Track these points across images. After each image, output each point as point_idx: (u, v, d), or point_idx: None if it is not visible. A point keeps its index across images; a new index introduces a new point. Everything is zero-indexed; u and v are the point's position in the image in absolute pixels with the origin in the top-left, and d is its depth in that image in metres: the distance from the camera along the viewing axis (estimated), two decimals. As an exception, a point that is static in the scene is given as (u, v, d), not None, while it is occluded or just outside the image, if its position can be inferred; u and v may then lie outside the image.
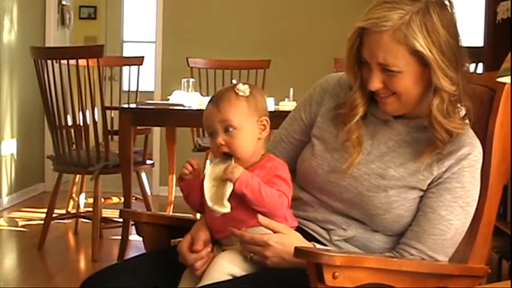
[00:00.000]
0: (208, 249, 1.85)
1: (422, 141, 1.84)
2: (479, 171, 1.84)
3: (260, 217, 1.77)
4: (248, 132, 1.86)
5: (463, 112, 1.84)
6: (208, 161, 1.85)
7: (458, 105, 1.82)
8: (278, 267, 1.77)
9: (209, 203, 1.78)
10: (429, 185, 1.83)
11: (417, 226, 1.83)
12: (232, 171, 1.78)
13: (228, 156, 1.85)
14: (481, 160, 1.84)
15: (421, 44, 1.72)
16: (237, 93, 1.86)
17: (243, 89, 1.86)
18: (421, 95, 1.81)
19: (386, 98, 1.82)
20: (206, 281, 1.76)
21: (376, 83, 1.80)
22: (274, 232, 1.78)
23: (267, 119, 1.89)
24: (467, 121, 1.84)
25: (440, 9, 1.76)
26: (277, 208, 1.82)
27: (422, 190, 1.84)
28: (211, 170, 1.84)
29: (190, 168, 1.93)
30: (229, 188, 1.77)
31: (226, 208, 1.76)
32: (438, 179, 1.82)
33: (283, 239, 1.76)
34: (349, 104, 1.89)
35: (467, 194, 1.82)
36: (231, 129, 1.84)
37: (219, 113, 1.85)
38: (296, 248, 1.63)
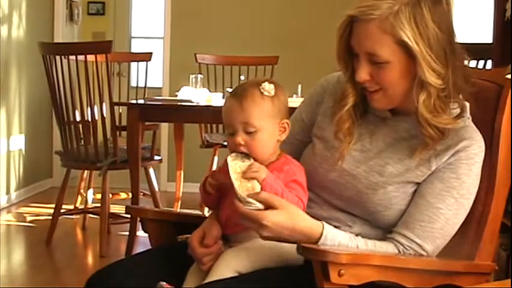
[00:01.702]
0: (218, 245, 1.85)
1: (420, 137, 1.82)
2: (478, 165, 1.82)
3: (263, 193, 1.72)
4: (268, 134, 1.84)
5: (457, 110, 1.83)
6: (229, 158, 1.77)
7: (455, 104, 1.81)
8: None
9: (247, 199, 1.72)
10: (426, 178, 1.83)
11: (407, 213, 1.83)
12: (258, 171, 1.75)
13: (245, 153, 1.82)
14: (481, 154, 1.82)
15: (408, 35, 1.71)
16: (261, 93, 1.83)
17: (269, 88, 1.83)
18: (409, 89, 1.79)
19: (374, 93, 1.82)
20: (213, 277, 1.76)
21: (363, 74, 1.79)
22: (272, 207, 1.72)
23: (288, 122, 1.88)
24: (466, 117, 1.83)
25: (432, 4, 1.75)
26: None
27: (419, 184, 1.84)
28: (234, 167, 1.78)
29: (214, 183, 1.88)
30: (257, 186, 1.74)
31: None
32: (434, 170, 1.82)
33: (279, 218, 1.71)
34: (339, 95, 1.89)
35: (462, 185, 1.80)
36: (252, 129, 1.82)
37: (242, 112, 1.81)
38: (301, 246, 1.63)
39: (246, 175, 1.75)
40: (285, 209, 1.72)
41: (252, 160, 1.81)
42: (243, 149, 1.82)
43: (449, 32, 1.78)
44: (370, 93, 1.83)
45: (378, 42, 1.74)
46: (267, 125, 1.83)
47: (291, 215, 1.73)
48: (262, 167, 1.77)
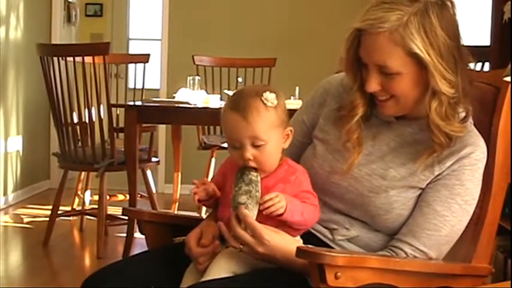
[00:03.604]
0: (215, 245, 1.84)
1: (424, 142, 1.82)
2: (481, 170, 1.82)
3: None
4: (275, 145, 1.82)
5: (463, 114, 1.82)
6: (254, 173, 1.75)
7: (461, 108, 1.81)
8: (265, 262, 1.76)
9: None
10: (428, 183, 1.83)
11: (412, 220, 1.82)
12: (282, 205, 1.73)
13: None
14: (484, 160, 1.83)
15: (419, 46, 1.70)
16: (265, 104, 1.79)
17: (271, 99, 1.79)
18: (420, 97, 1.79)
19: (385, 101, 1.81)
20: (209, 276, 1.76)
21: (373, 85, 1.78)
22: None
23: (292, 129, 1.86)
24: (469, 122, 1.83)
25: (439, 10, 1.73)
26: (313, 222, 1.83)
27: (421, 188, 1.83)
28: (241, 178, 1.78)
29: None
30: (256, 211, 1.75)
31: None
32: (438, 176, 1.81)
33: (279, 239, 1.74)
34: (348, 105, 1.88)
35: (467, 192, 1.81)
36: (260, 143, 1.79)
37: (248, 127, 1.77)
38: (298, 248, 1.63)
39: (269, 208, 1.73)
40: (281, 233, 1.76)
41: (259, 177, 1.79)
42: (252, 163, 1.80)
43: (457, 37, 1.77)
44: (381, 102, 1.82)
45: (388, 54, 1.73)
46: (273, 136, 1.81)
47: (289, 241, 1.76)
48: (280, 196, 1.74)
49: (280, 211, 1.73)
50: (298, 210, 1.76)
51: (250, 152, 1.79)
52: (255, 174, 1.79)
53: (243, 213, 1.73)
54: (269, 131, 1.79)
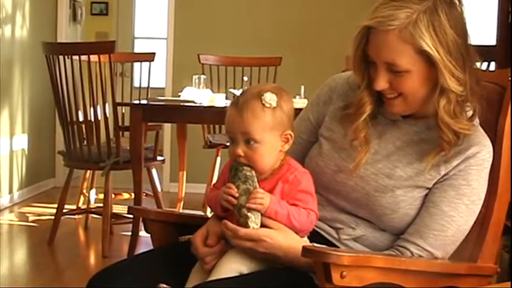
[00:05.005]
0: (221, 245, 1.84)
1: (430, 141, 1.82)
2: (487, 170, 1.82)
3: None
4: (269, 146, 1.81)
5: (470, 113, 1.82)
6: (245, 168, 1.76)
7: (468, 106, 1.81)
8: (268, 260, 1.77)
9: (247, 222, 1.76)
10: (435, 183, 1.82)
11: (419, 220, 1.82)
12: (262, 203, 1.75)
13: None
14: (490, 159, 1.82)
15: (428, 44, 1.70)
16: (263, 104, 1.79)
17: (270, 100, 1.79)
18: (428, 96, 1.79)
19: (393, 99, 1.81)
20: (215, 276, 1.76)
21: (382, 83, 1.78)
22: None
23: (292, 133, 1.84)
24: (476, 121, 1.83)
25: (448, 8, 1.73)
26: (307, 228, 1.82)
27: (428, 188, 1.83)
28: (236, 176, 1.80)
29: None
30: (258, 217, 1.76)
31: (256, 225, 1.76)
32: (444, 175, 1.81)
33: (278, 237, 1.75)
34: (356, 103, 1.87)
35: (473, 192, 1.80)
36: (252, 142, 1.79)
37: (242, 123, 1.78)
38: (304, 248, 1.63)
39: (249, 203, 1.75)
40: (283, 230, 1.77)
41: (253, 172, 1.80)
42: (243, 160, 1.80)
43: (465, 35, 1.77)
44: (389, 99, 1.82)
45: (397, 52, 1.73)
46: (267, 138, 1.80)
47: (288, 237, 1.76)
48: (265, 195, 1.76)
49: (261, 209, 1.75)
50: (284, 214, 1.77)
51: (241, 149, 1.80)
52: (248, 169, 1.80)
53: (232, 228, 1.75)
54: (262, 132, 1.79)
